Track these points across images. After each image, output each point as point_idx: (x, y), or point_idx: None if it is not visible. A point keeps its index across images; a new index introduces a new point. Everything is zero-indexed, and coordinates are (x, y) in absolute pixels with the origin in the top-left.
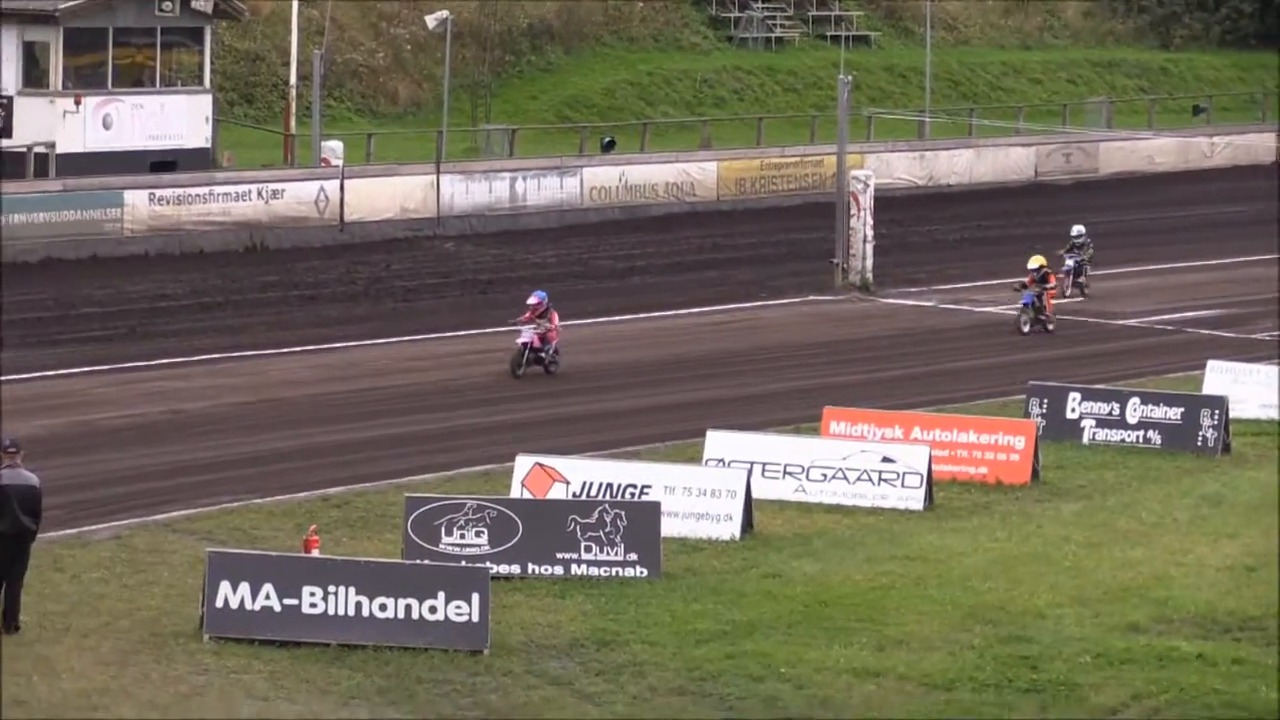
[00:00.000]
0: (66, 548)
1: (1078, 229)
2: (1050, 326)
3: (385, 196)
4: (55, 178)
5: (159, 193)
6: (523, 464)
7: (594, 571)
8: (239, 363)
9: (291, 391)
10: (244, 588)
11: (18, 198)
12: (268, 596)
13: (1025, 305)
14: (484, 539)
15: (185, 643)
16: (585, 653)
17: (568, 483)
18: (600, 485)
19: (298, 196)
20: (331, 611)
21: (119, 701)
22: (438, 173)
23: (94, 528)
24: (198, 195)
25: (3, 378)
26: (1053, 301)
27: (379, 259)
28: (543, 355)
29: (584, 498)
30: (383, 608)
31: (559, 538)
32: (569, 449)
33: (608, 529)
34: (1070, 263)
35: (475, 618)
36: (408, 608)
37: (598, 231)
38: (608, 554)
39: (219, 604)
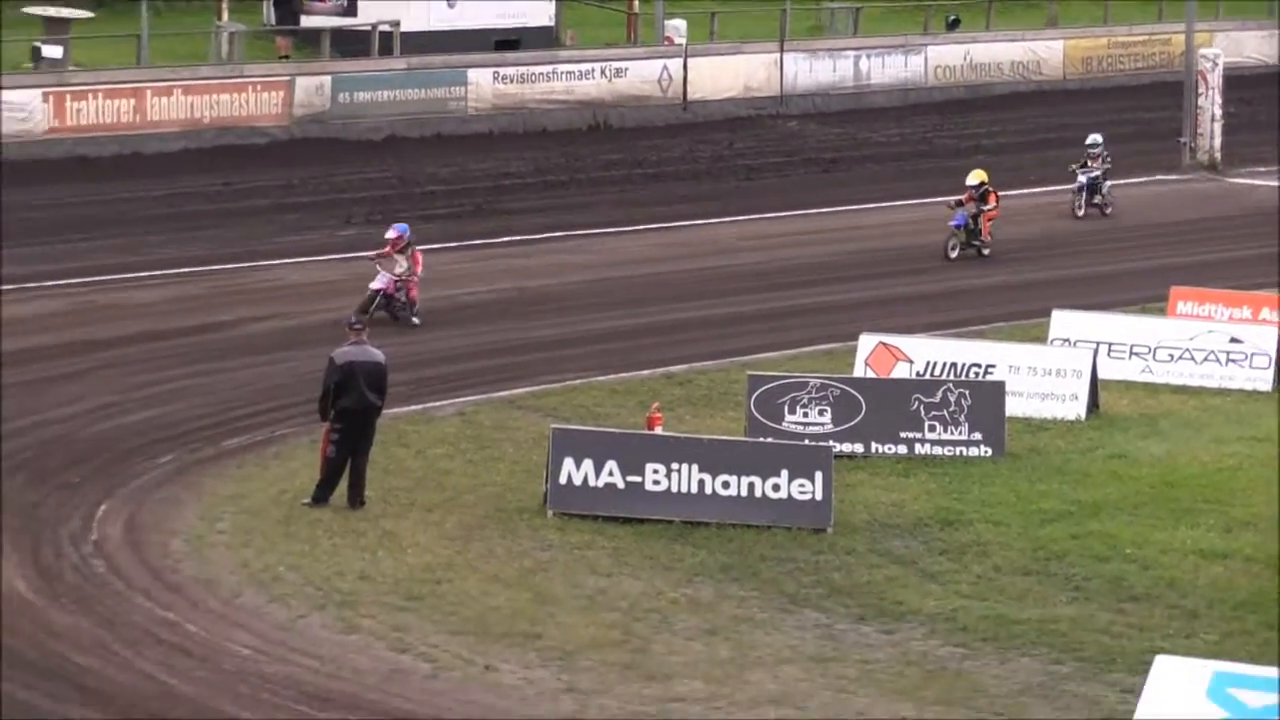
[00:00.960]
0: (411, 424)
1: (1093, 137)
2: (985, 252)
3: (728, 75)
4: (400, 56)
5: (503, 71)
6: (866, 342)
7: (938, 451)
8: (583, 240)
9: (635, 269)
10: (587, 464)
11: (362, 76)
12: (611, 473)
13: (955, 227)
14: (827, 417)
15: (529, 518)
16: (929, 532)
17: (911, 362)
18: (944, 365)
19: (641, 75)
20: (674, 489)
21: (463, 576)
22: (781, 51)
23: (439, 404)
24: (541, 74)
25: (347, 255)
26: (989, 224)
27: (721, 138)
28: (396, 302)
29: (927, 377)
30: (725, 485)
31: (902, 417)
32: (912, 328)
33: (951, 408)
34: (1082, 179)
35: (819, 496)
36: (750, 486)
37: (941, 110)
38: (951, 433)
39: (562, 480)
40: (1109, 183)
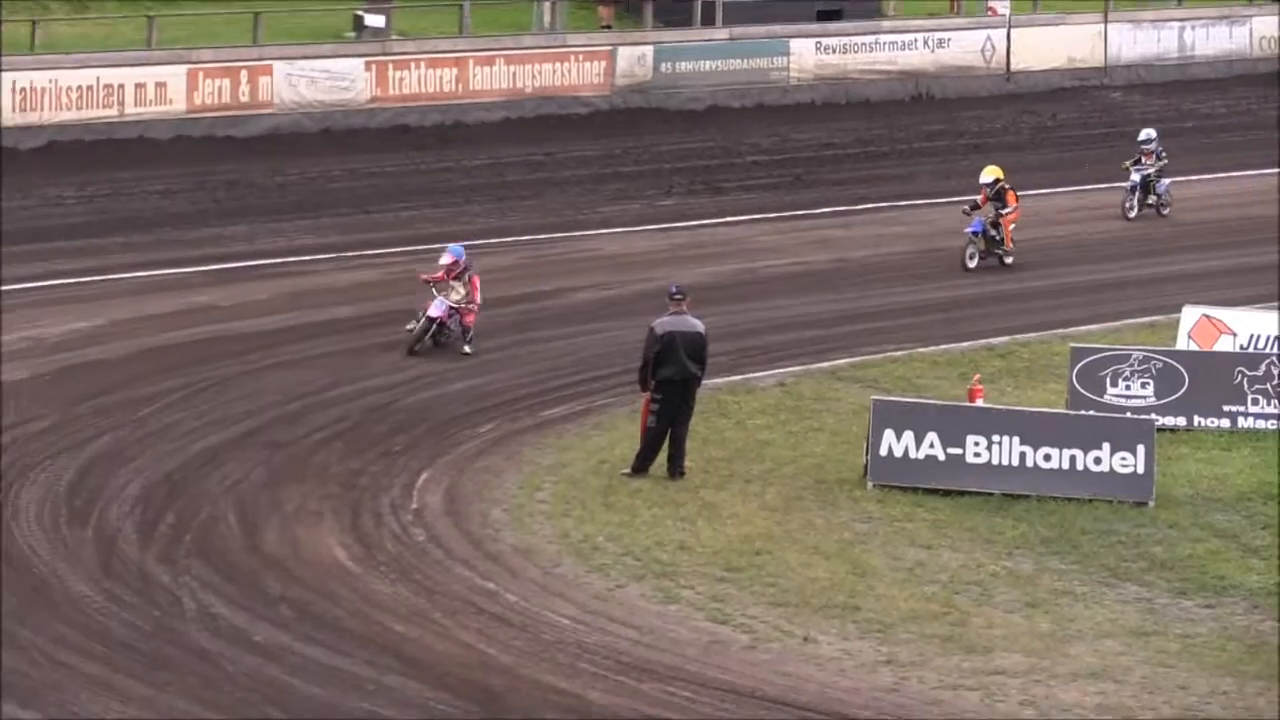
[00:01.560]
0: (732, 394)
1: (1147, 133)
2: (1009, 260)
3: (1052, 46)
4: (722, 26)
5: (825, 41)
6: (1189, 315)
7: (1261, 424)
8: (904, 212)
9: (956, 241)
10: (908, 436)
11: (685, 46)
12: (931, 445)
13: (973, 234)
14: (1149, 390)
15: (849, 490)
16: (1252, 506)
17: (1234, 335)
18: (1268, 338)
19: (964, 45)
20: (995, 461)
21: (783, 547)
22: (1105, 22)
23: (759, 374)
24: (864, 44)
25: (668, 225)
26: (1012, 227)
27: (1045, 108)
28: (446, 335)
29: (1251, 350)
30: (1047, 458)
31: (1225, 390)
32: (1235, 301)
33: (1275, 382)
34: (1136, 177)
35: (1140, 469)
36: (1072, 459)
37: (1266, 82)
38: (1275, 407)
39: (883, 452)
40: (1165, 180)
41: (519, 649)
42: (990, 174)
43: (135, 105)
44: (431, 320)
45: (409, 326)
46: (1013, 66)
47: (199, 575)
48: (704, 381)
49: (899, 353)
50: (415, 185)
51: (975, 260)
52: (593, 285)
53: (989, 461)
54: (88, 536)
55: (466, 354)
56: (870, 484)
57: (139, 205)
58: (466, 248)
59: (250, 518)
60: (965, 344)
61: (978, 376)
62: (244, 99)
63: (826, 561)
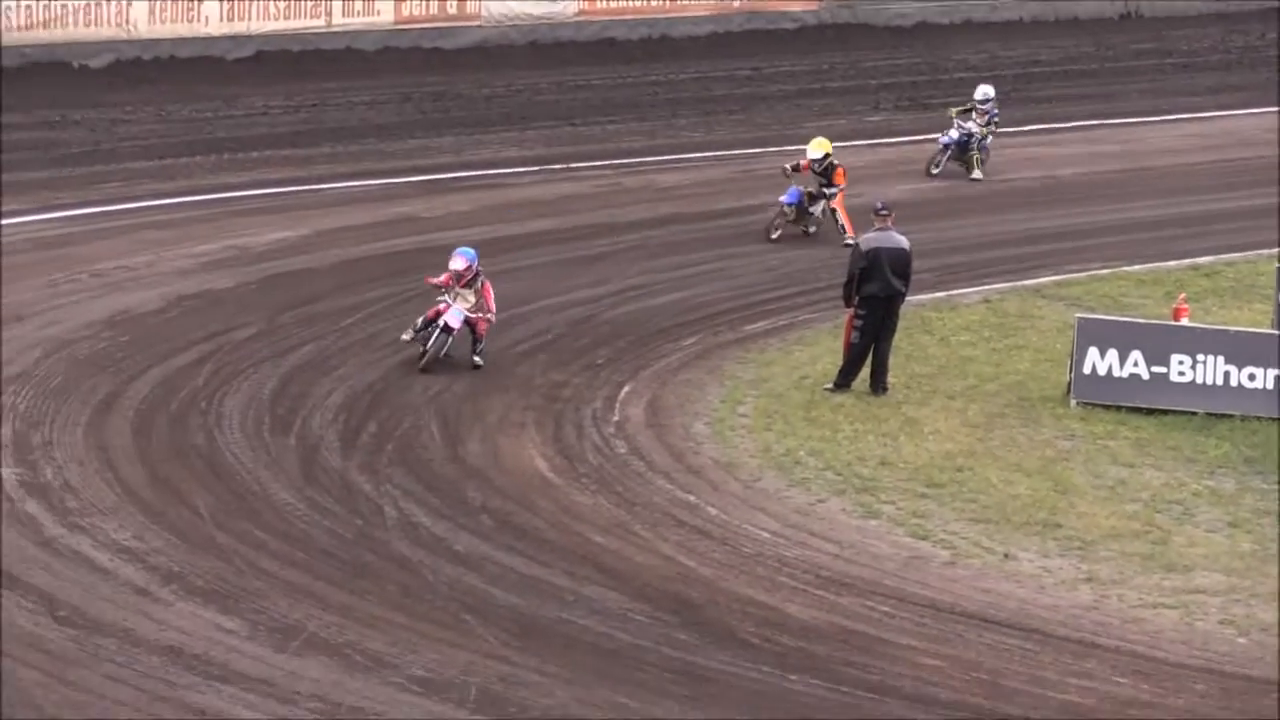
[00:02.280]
0: (936, 310)
1: (983, 91)
2: (809, 231)
3: None
4: None
5: None
6: None
7: None
8: (1112, 130)
9: (1164, 160)
10: (1111, 354)
11: None
12: (1135, 364)
13: (786, 205)
14: None
15: (1052, 408)
16: None
17: None
18: None
19: None
20: (1199, 380)
21: (984, 464)
22: None
23: (964, 291)
24: None
25: (873, 141)
26: (842, 207)
27: (1254, 28)
28: (449, 349)
29: None
30: (1251, 378)
31: None
32: None
33: None
34: (953, 134)
35: None
36: (1277, 378)
37: None
38: None
39: (1086, 370)
40: (984, 144)
41: (718, 561)
42: (818, 148)
43: (343, 16)
44: (448, 333)
45: (405, 336)
46: None
47: (400, 484)
48: (908, 298)
49: (1104, 271)
50: (621, 99)
51: (779, 233)
52: None
53: (1193, 380)
54: (290, 444)
55: (478, 366)
56: (1073, 402)
57: (345, 116)
58: (676, 160)
59: (452, 428)
60: (1171, 263)
61: (1183, 295)
62: (452, 11)
63: (1028, 479)
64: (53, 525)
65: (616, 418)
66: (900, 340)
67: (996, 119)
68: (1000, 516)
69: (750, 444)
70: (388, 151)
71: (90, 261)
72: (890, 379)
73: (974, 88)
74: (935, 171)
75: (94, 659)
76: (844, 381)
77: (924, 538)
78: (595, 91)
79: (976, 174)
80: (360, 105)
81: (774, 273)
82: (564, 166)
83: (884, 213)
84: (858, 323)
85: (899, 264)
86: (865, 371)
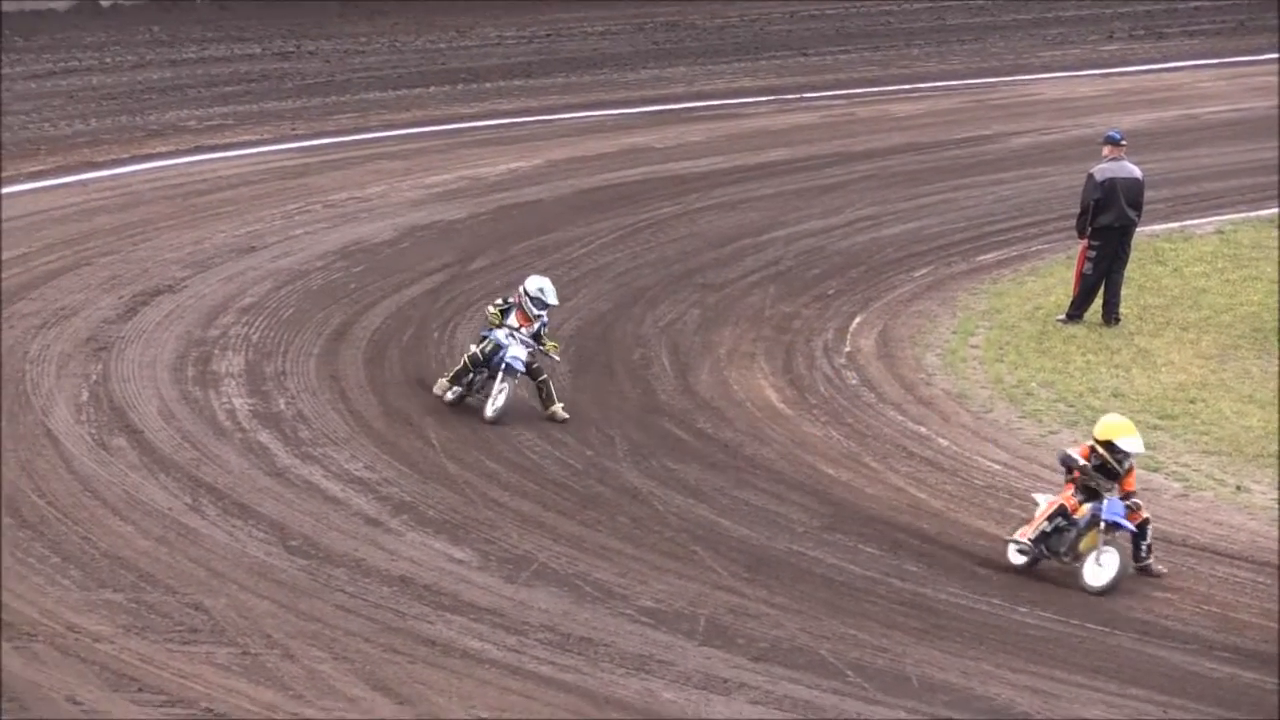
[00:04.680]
0: (1169, 241)
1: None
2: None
3: None
4: None
5: None
6: None
7: None
8: None
9: None
10: None
11: None
12: None
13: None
14: None
15: None
16: None
17: None
18: None
19: None
20: None
21: (1217, 396)
22: None
23: (1196, 222)
24: None
25: (1109, 70)
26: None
27: None
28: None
29: None
30: None
31: None
32: None
33: None
34: None
35: None
36: None
37: None
38: None
39: None
40: None
41: (949, 494)
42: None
43: None
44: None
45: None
46: None
47: (631, 415)
48: (1141, 228)
49: None
50: (855, 28)
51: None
52: (1033, 130)
53: None
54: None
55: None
56: None
57: (579, 46)
58: (911, 90)
59: (683, 358)
60: None
61: None
62: None
63: (1261, 410)
64: (285, 455)
65: (848, 349)
66: (1133, 271)
67: None
68: (1233, 448)
69: (981, 375)
70: (620, 82)
71: (324, 192)
72: (1123, 310)
73: (1209, 15)
74: None
75: (325, 589)
76: (1077, 312)
77: (1156, 470)
78: (829, 21)
79: None
80: (594, 35)
81: (1006, 203)
82: (797, 96)
83: (1120, 142)
84: (1091, 253)
85: (1133, 194)
86: (1098, 302)
